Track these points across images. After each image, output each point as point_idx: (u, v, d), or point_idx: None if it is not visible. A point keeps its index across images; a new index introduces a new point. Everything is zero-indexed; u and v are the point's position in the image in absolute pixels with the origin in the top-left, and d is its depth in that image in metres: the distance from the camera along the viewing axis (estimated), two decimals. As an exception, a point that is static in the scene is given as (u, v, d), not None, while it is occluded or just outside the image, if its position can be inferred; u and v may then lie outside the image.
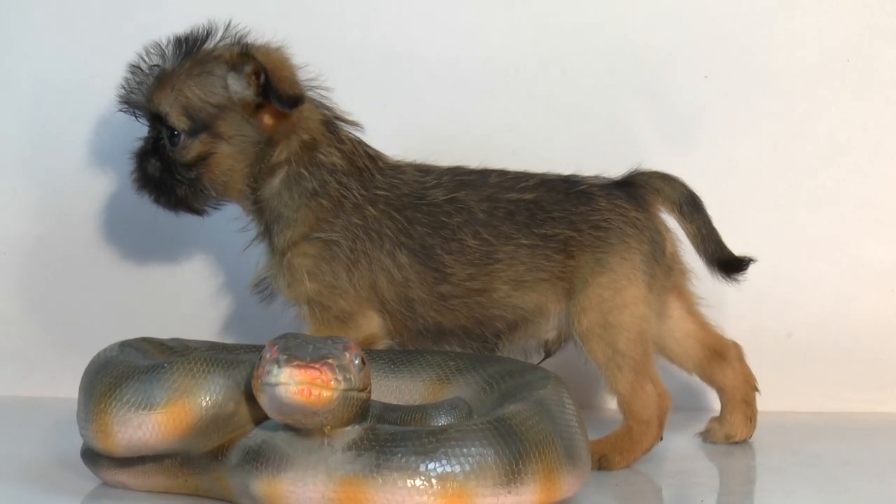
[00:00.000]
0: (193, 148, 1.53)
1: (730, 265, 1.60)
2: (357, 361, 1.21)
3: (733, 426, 1.64)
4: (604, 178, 1.59)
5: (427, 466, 1.19)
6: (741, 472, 1.52)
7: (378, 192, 1.55)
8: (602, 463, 1.50)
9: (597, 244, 1.54)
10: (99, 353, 1.37)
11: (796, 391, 1.86)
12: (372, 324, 1.54)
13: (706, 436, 1.65)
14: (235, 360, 1.29)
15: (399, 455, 1.19)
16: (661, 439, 1.55)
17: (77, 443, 1.39)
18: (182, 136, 1.53)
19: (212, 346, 1.49)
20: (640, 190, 1.58)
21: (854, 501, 1.39)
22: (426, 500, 1.18)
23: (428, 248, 1.54)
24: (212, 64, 1.54)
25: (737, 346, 1.64)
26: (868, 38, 1.87)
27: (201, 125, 1.53)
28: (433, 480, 1.18)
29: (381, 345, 1.54)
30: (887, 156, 1.88)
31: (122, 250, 1.89)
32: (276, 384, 1.17)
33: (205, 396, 1.27)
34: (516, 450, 1.21)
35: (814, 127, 1.88)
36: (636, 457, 1.53)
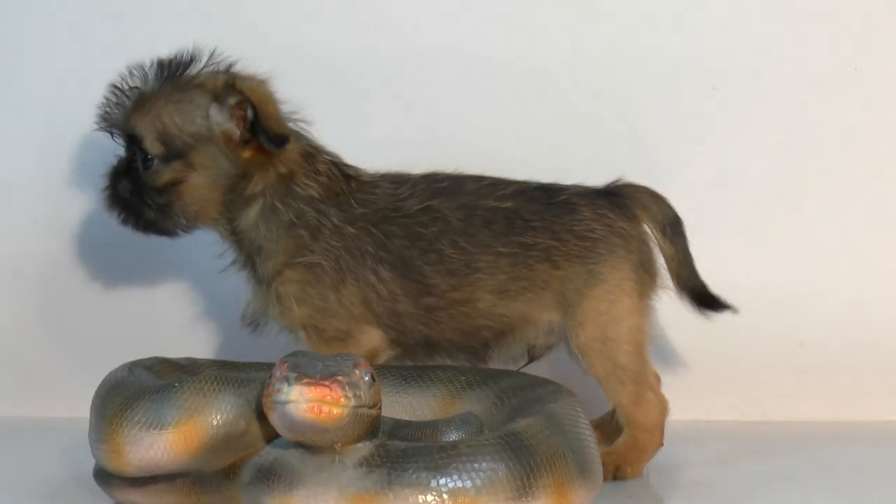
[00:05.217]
0: (165, 174, 1.52)
1: (702, 298, 1.60)
2: (367, 378, 1.21)
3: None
4: (583, 186, 1.58)
5: (438, 482, 1.19)
6: (755, 480, 1.51)
7: (355, 210, 1.53)
8: (617, 473, 1.50)
9: (585, 255, 1.53)
10: (110, 374, 1.37)
11: (810, 399, 1.85)
12: (372, 338, 1.53)
13: None
14: (246, 378, 1.29)
15: (410, 471, 1.19)
16: (662, 445, 1.55)
17: (90, 462, 1.39)
18: (155, 161, 1.52)
19: (222, 365, 1.49)
20: (626, 201, 1.57)
21: (869, 510, 1.39)
22: (438, 516, 1.18)
23: (407, 261, 1.53)
24: (193, 91, 1.52)
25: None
26: (877, 46, 1.87)
27: (175, 152, 1.51)
28: (445, 496, 1.18)
29: (385, 357, 1.54)
30: (898, 161, 1.88)
31: (137, 270, 1.89)
32: (287, 402, 1.17)
33: (216, 415, 1.27)
34: (528, 464, 1.21)
35: (825, 135, 1.88)
36: (643, 466, 1.53)
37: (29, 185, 1.91)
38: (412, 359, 1.56)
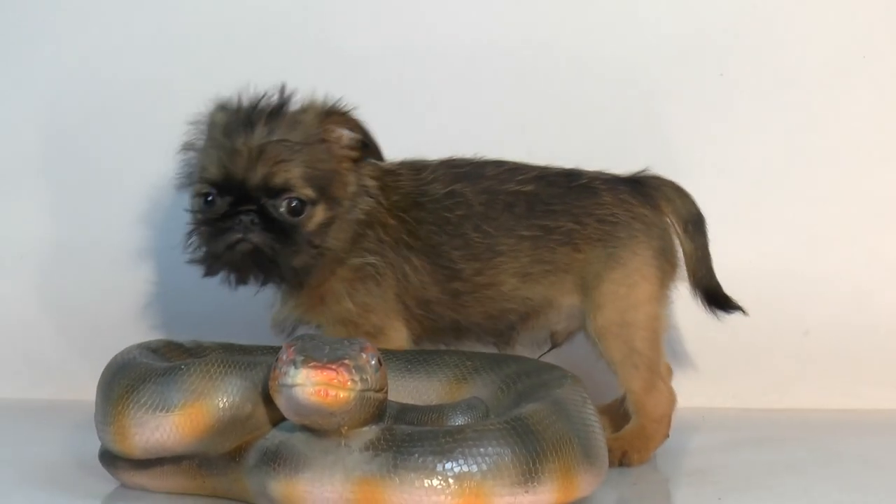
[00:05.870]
0: (318, 215, 1.49)
1: (715, 297, 1.61)
2: (373, 362, 1.21)
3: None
4: (605, 172, 1.59)
5: (444, 466, 1.19)
6: (758, 469, 1.51)
7: (391, 199, 1.54)
8: (623, 459, 1.51)
9: (606, 238, 1.53)
10: (116, 356, 1.37)
11: (814, 388, 1.86)
12: (400, 336, 1.54)
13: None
14: (252, 361, 1.29)
15: (416, 455, 1.19)
16: (668, 437, 1.55)
17: (96, 445, 1.39)
18: (308, 206, 1.48)
19: (229, 348, 1.49)
20: (650, 191, 1.57)
21: (873, 498, 1.38)
22: (443, 500, 1.18)
23: (436, 247, 1.53)
24: (309, 128, 1.49)
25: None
26: (883, 34, 1.87)
27: (321, 191, 1.48)
28: (450, 480, 1.18)
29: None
30: (903, 151, 1.88)
31: (140, 253, 1.89)
32: (293, 385, 1.18)
33: (222, 398, 1.27)
34: (533, 449, 1.21)
35: (829, 123, 1.88)
36: (649, 454, 1.53)
37: (33, 169, 1.91)
38: (444, 343, 1.57)
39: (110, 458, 1.38)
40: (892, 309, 1.87)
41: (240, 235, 1.46)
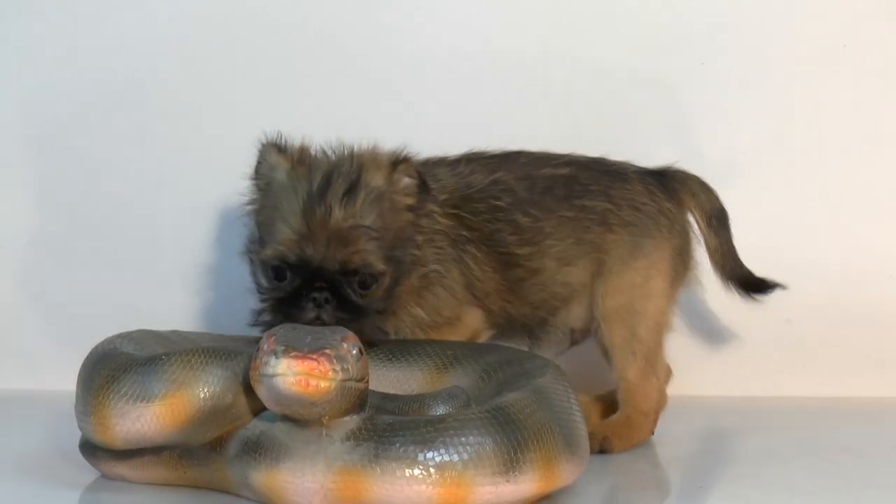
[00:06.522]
0: (385, 282, 1.45)
1: (750, 284, 1.63)
2: (354, 352, 1.21)
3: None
4: (633, 164, 1.60)
5: (425, 456, 1.19)
6: (740, 456, 1.52)
7: (439, 198, 1.51)
8: (604, 444, 1.51)
9: (635, 224, 1.55)
10: (97, 346, 1.37)
11: (797, 377, 1.86)
12: (476, 319, 1.54)
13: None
14: (233, 351, 1.29)
15: (397, 445, 1.19)
16: (653, 434, 1.56)
17: (76, 435, 1.39)
18: (378, 278, 1.44)
19: (210, 338, 1.49)
20: (675, 185, 1.59)
21: (855, 486, 1.39)
22: (424, 490, 1.18)
23: (492, 234, 1.53)
24: (384, 194, 1.44)
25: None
26: (865, 22, 1.87)
27: (390, 260, 1.45)
28: (431, 470, 1.18)
29: (485, 336, 1.54)
30: (886, 140, 1.88)
31: (121, 243, 1.89)
32: (274, 375, 1.17)
33: (203, 388, 1.27)
34: (515, 438, 1.21)
35: (812, 112, 1.88)
36: (632, 444, 1.53)
37: (15, 160, 1.90)
38: (501, 339, 1.56)
39: (91, 449, 1.37)
40: (874, 298, 1.87)
41: (313, 315, 1.43)
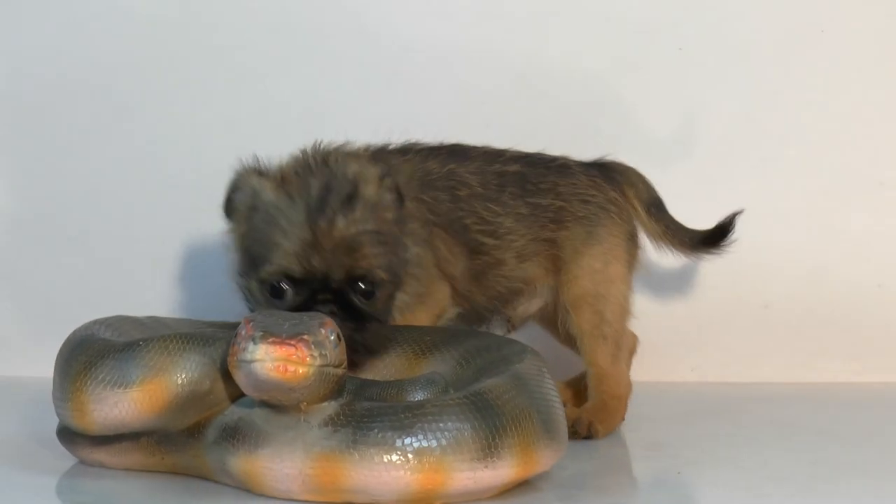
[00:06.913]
0: (387, 290, 1.44)
1: (713, 239, 1.64)
2: (332, 337, 1.21)
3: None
4: (570, 158, 1.61)
5: (404, 441, 1.19)
6: (717, 441, 1.52)
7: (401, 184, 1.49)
8: (591, 430, 1.51)
9: (587, 217, 1.57)
10: (74, 332, 1.37)
11: (773, 361, 1.87)
12: (444, 294, 1.54)
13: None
14: (211, 337, 1.29)
15: (375, 430, 1.19)
16: (624, 419, 1.57)
17: (53, 422, 1.38)
18: (380, 286, 1.42)
19: (187, 324, 1.48)
20: (616, 175, 1.61)
21: (831, 470, 1.39)
22: (403, 475, 1.18)
23: (455, 221, 1.53)
24: (377, 202, 1.42)
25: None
26: (842, 8, 1.87)
27: (390, 268, 1.43)
28: (410, 455, 1.18)
29: (450, 314, 1.54)
30: (861, 125, 1.88)
31: (97, 229, 1.88)
32: (252, 361, 1.17)
33: (181, 374, 1.27)
34: (493, 424, 1.21)
35: (788, 97, 1.88)
36: (613, 427, 1.54)
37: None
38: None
39: (68, 435, 1.37)
40: (850, 283, 1.88)
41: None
